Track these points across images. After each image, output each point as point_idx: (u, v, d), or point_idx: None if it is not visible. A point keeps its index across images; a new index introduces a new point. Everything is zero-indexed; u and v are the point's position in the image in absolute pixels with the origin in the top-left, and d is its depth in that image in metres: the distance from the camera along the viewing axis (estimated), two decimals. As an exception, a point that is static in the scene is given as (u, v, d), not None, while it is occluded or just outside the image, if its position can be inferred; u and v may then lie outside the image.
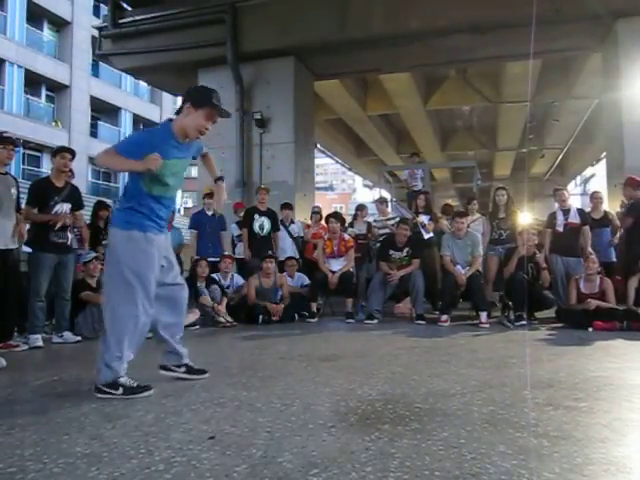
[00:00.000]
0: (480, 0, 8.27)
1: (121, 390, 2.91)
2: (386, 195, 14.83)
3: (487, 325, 6.19)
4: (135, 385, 2.96)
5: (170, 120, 3.17)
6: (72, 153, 5.39)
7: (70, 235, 5.35)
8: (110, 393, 2.90)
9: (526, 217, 8.45)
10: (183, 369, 3.37)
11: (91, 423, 2.41)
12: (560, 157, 19.82)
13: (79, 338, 5.37)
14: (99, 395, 2.91)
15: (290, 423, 2.35)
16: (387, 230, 8.06)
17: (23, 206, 5.17)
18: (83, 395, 2.95)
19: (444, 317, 6.46)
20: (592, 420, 2.34)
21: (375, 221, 8.55)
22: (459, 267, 6.60)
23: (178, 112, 3.13)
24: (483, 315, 6.35)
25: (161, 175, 2.99)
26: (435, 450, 1.99)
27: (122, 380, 2.95)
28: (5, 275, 4.78)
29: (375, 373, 3.44)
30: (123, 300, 2.98)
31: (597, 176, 22.39)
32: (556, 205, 7.34)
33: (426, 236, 7.53)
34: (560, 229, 7.06)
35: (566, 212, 7.11)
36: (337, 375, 3.40)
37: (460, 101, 15.09)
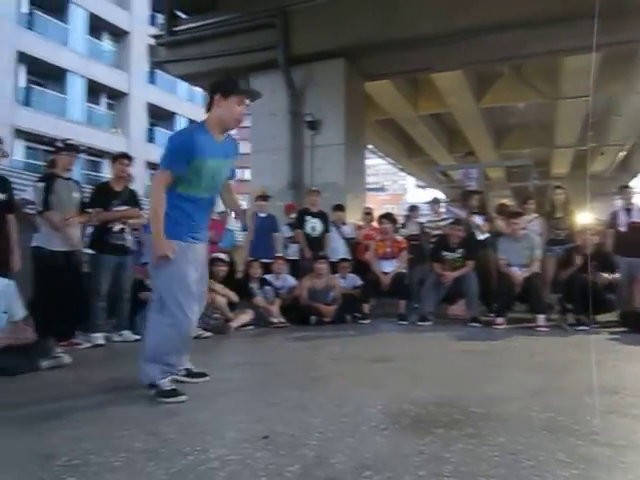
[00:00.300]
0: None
1: (153, 392, 2.95)
2: (439, 195, 14.62)
3: (545, 328, 5.99)
4: (169, 389, 2.95)
5: (201, 122, 3.08)
6: (129, 159, 5.59)
7: (128, 237, 5.54)
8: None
9: (585, 217, 8.14)
10: (183, 372, 3.31)
11: (149, 419, 2.48)
12: (622, 154, 19.00)
13: (138, 337, 5.52)
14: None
15: (342, 424, 2.34)
16: (440, 231, 7.93)
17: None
18: (142, 392, 3.04)
19: (499, 320, 6.30)
20: (660, 429, 2.23)
21: (428, 222, 8.44)
22: (515, 268, 6.43)
23: (208, 109, 3.04)
24: (540, 318, 6.15)
25: (200, 175, 2.93)
26: (491, 456, 1.95)
27: (160, 382, 2.96)
28: (68, 276, 5.01)
29: (428, 376, 3.39)
30: (159, 309, 2.97)
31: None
32: (618, 204, 7.04)
33: (480, 237, 7.38)
34: (623, 229, 6.77)
35: (629, 211, 6.82)
36: (389, 377, 3.38)
37: (515, 98, 14.70)
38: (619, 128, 16.45)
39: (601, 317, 6.42)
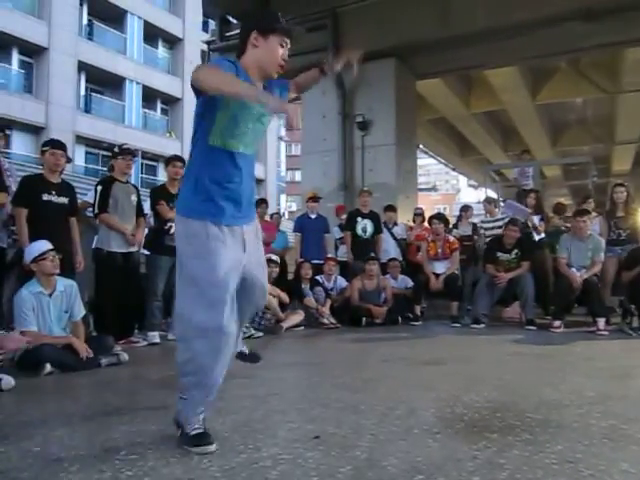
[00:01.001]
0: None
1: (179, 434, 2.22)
2: (492, 195, 14.29)
3: (606, 332, 5.76)
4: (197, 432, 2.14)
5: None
6: (182, 161, 5.74)
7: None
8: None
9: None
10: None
11: (204, 417, 2.53)
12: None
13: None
14: None
15: (394, 427, 2.33)
16: (496, 231, 7.76)
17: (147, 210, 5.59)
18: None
19: (557, 323, 6.10)
20: None
21: (482, 222, 8.27)
22: (574, 269, 6.20)
23: (241, 51, 2.25)
24: (601, 322, 5.91)
25: (237, 121, 2.12)
26: (548, 463, 1.89)
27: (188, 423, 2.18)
28: (127, 277, 5.19)
29: (482, 379, 3.32)
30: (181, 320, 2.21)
31: None
32: None
33: (537, 237, 7.18)
34: None
35: None
36: (442, 380, 3.33)
37: (572, 93, 14.20)
38: (686, 122, 15.64)
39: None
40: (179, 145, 24.49)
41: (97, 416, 2.64)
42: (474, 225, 8.09)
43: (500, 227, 7.61)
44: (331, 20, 9.52)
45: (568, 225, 7.22)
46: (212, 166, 2.12)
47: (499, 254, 6.77)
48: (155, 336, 5.34)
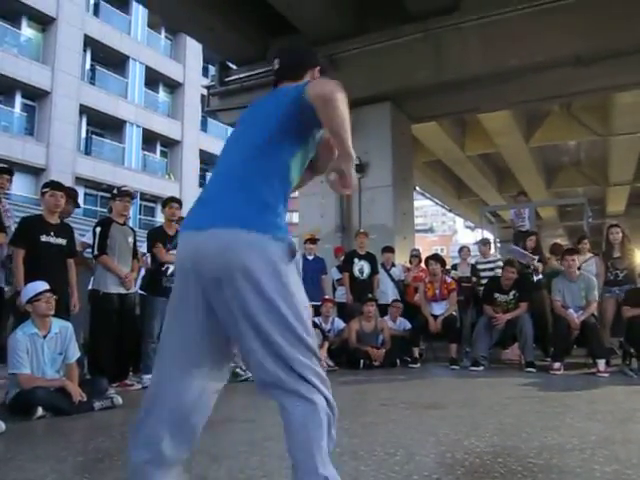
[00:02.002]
0: (582, 32, 7.97)
1: None
2: (489, 236, 14.38)
3: (606, 374, 5.70)
4: None
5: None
6: (179, 202, 5.79)
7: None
8: None
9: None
10: None
11: (198, 463, 2.47)
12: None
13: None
14: None
15: (394, 473, 2.28)
16: (491, 273, 7.76)
17: (141, 251, 5.60)
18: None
19: (556, 365, 6.04)
20: None
21: (477, 262, 8.29)
22: (571, 311, 6.18)
23: (293, 78, 1.99)
24: (601, 363, 5.86)
25: (305, 161, 1.84)
26: (552, 510, 1.84)
27: None
28: (122, 318, 5.15)
29: (483, 423, 3.27)
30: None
31: None
32: None
33: (536, 278, 7.20)
34: None
35: None
36: (442, 424, 3.27)
37: (565, 136, 14.48)
38: (678, 164, 15.89)
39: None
40: (177, 187, 24.74)
41: (89, 461, 2.58)
42: (473, 266, 8.10)
43: (493, 269, 7.65)
44: (327, 66, 9.76)
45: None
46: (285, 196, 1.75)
47: (497, 295, 6.76)
48: (150, 379, 5.26)
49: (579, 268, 6.54)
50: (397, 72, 9.30)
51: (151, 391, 1.82)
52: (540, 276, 7.27)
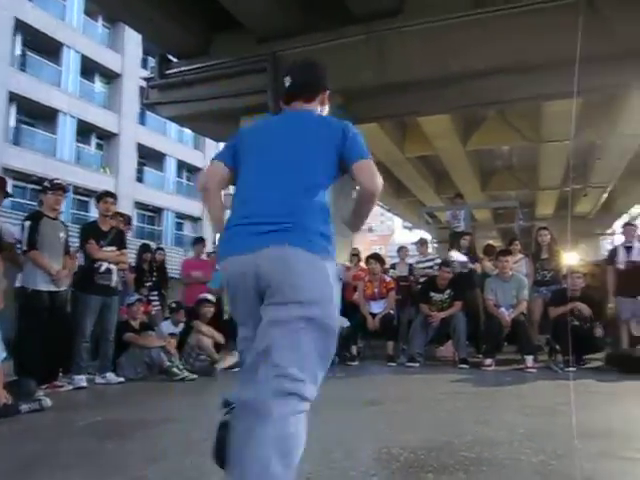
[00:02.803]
0: (516, 42, 8.29)
1: None
2: (426, 236, 14.73)
3: (534, 370, 5.97)
4: None
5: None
6: (114, 197, 5.60)
7: (115, 277, 5.48)
8: None
9: (571, 257, 8.22)
10: None
11: (132, 464, 2.41)
12: (605, 195, 19.37)
13: (122, 379, 5.43)
14: None
15: (330, 470, 2.29)
16: (430, 271, 7.96)
17: (73, 249, 5.38)
18: (126, 435, 2.97)
19: (488, 361, 6.27)
20: (651, 473, 2.20)
21: (417, 262, 8.48)
22: (503, 309, 6.44)
23: (308, 99, 2.21)
24: (529, 359, 6.13)
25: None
26: (482, 502, 1.91)
27: None
28: (53, 316, 4.93)
29: (418, 419, 3.35)
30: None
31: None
32: (619, 242, 7.06)
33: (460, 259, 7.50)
34: (622, 267, 6.77)
35: (629, 249, 6.80)
36: (379, 420, 3.32)
37: (500, 141, 15.03)
38: (601, 170, 16.82)
39: (590, 358, 6.42)
40: (114, 181, 23.91)
41: (14, 467, 2.45)
42: (410, 266, 8.27)
43: (432, 267, 7.84)
44: (271, 64, 9.69)
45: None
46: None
47: (432, 294, 6.93)
48: (82, 380, 5.07)
49: (511, 268, 6.81)
50: (340, 73, 9.33)
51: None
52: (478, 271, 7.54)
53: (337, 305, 1.84)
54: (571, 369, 5.81)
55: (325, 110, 2.27)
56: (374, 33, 9.09)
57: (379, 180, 2.05)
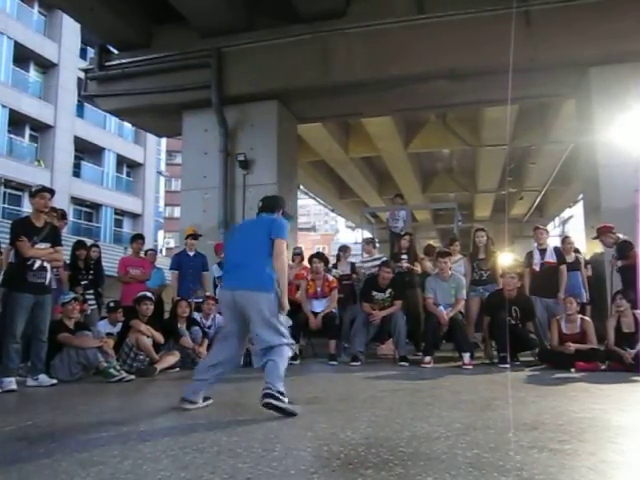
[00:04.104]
0: (457, 48, 8.54)
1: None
2: (368, 236, 14.92)
3: (470, 367, 6.16)
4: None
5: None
6: (51, 192, 5.36)
7: (49, 275, 5.26)
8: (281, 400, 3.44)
9: (506, 258, 8.54)
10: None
11: (64, 470, 2.32)
12: (539, 199, 20.23)
13: (55, 381, 5.22)
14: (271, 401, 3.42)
15: (271, 469, 2.29)
16: (374, 270, 8.06)
17: (3, 246, 5.12)
18: (57, 440, 2.86)
19: (427, 359, 6.42)
20: (577, 463, 2.32)
21: (362, 261, 8.57)
22: (441, 308, 6.61)
23: (273, 211, 4.10)
24: (466, 356, 6.33)
25: None
26: (419, 496, 1.95)
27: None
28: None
29: (358, 416, 3.39)
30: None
31: (575, 217, 22.87)
32: (534, 244, 7.44)
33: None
34: (537, 268, 7.13)
35: (543, 251, 7.19)
36: (320, 418, 3.34)
37: (440, 144, 15.42)
38: (535, 175, 17.56)
39: (523, 355, 6.69)
40: (49, 175, 22.92)
41: None
42: (352, 264, 8.35)
43: (378, 266, 7.93)
44: (215, 59, 9.57)
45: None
46: None
47: (374, 293, 7.03)
48: (11, 382, 4.84)
49: (450, 268, 7.00)
50: (285, 71, 9.35)
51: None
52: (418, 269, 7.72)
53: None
54: (506, 366, 6.05)
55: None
56: (319, 33, 9.15)
57: (283, 262, 3.86)
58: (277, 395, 3.42)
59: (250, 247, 3.84)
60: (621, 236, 6.73)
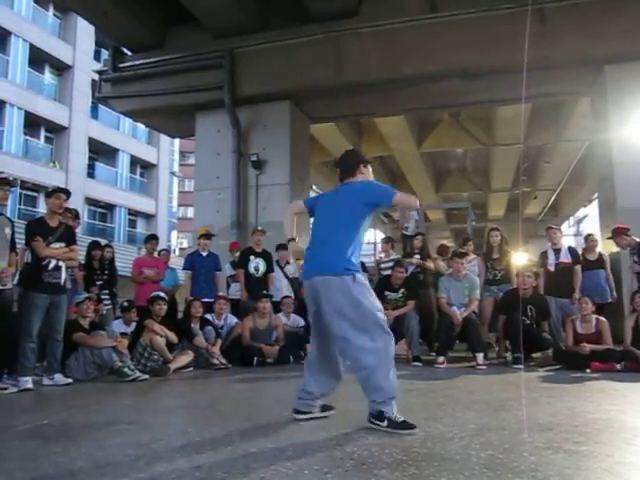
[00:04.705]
0: (470, 47, 8.51)
1: (386, 423, 2.95)
2: (381, 236, 14.90)
3: (484, 367, 6.12)
4: (400, 420, 2.96)
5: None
6: (67, 194, 5.41)
7: (64, 275, 5.32)
8: (376, 424, 2.97)
9: (520, 257, 8.48)
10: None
11: (80, 469, 2.34)
12: (553, 198, 20.06)
13: (70, 380, 5.27)
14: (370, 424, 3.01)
15: (284, 468, 2.29)
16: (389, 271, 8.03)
17: (19, 246, 5.18)
18: (73, 439, 2.88)
19: (440, 359, 6.40)
20: (593, 464, 2.29)
21: (377, 261, 8.55)
22: (455, 308, 6.57)
23: (350, 174, 3.46)
24: (480, 356, 6.29)
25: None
26: (433, 497, 1.94)
27: (388, 414, 2.97)
28: (-2, 315, 4.75)
29: (371, 416, 3.38)
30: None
31: (590, 216, 22.63)
32: (548, 244, 7.37)
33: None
34: (552, 268, 7.06)
35: (557, 251, 7.12)
36: (332, 419, 3.34)
37: (453, 144, 15.35)
38: (549, 174, 17.42)
39: (537, 355, 6.64)
40: (63, 176, 23.16)
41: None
42: (362, 264, 8.32)
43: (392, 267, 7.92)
44: (228, 60, 9.61)
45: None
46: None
47: (387, 293, 7.02)
48: (27, 381, 4.90)
49: (465, 269, 6.96)
50: (297, 71, 9.37)
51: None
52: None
53: None
54: (520, 366, 6.01)
55: (363, 175, 3.49)
56: (332, 33, 9.16)
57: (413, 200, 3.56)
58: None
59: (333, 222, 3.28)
60: (637, 239, 6.63)
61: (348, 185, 3.40)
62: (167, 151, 32.25)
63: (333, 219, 3.25)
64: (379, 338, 3.03)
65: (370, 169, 3.50)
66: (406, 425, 2.92)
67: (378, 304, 3.17)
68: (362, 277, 3.19)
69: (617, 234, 6.77)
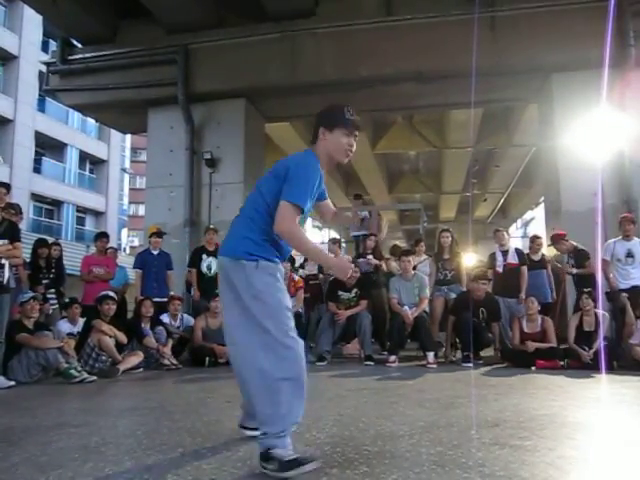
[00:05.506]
0: (423, 51, 8.65)
1: (274, 466, 2.19)
2: (336, 236, 14.97)
3: (434, 365, 6.25)
4: (294, 457, 2.21)
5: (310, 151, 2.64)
6: (7, 187, 5.22)
7: (7, 274, 5.11)
8: (264, 467, 2.22)
9: (470, 258, 8.69)
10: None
11: (22, 475, 2.26)
12: (502, 201, 20.65)
13: (13, 383, 5.07)
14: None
15: (236, 469, 2.27)
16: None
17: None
18: (15, 444, 2.78)
19: (392, 358, 6.49)
20: (537, 459, 2.37)
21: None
22: (406, 308, 6.68)
23: (313, 140, 2.67)
24: (430, 355, 6.41)
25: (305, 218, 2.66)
26: (384, 494, 1.97)
27: (277, 452, 2.22)
28: None
29: (323, 415, 3.39)
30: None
31: (537, 219, 23.42)
32: (496, 246, 7.58)
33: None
34: (500, 269, 7.29)
35: (505, 253, 7.35)
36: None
37: (407, 146, 15.58)
38: (499, 177, 17.92)
39: (484, 353, 6.82)
40: (8, 170, 22.24)
41: None
42: (319, 265, 8.35)
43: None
44: (182, 56, 9.46)
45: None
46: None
47: (340, 293, 7.07)
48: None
49: (414, 268, 7.08)
50: (253, 70, 9.31)
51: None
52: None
53: None
54: (469, 364, 6.16)
55: (330, 144, 2.65)
56: (287, 32, 9.15)
57: (287, 228, 2.41)
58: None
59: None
60: (575, 244, 6.97)
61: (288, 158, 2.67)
62: (118, 147, 31.47)
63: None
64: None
65: (340, 132, 2.62)
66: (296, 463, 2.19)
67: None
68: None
69: (556, 240, 7.08)
